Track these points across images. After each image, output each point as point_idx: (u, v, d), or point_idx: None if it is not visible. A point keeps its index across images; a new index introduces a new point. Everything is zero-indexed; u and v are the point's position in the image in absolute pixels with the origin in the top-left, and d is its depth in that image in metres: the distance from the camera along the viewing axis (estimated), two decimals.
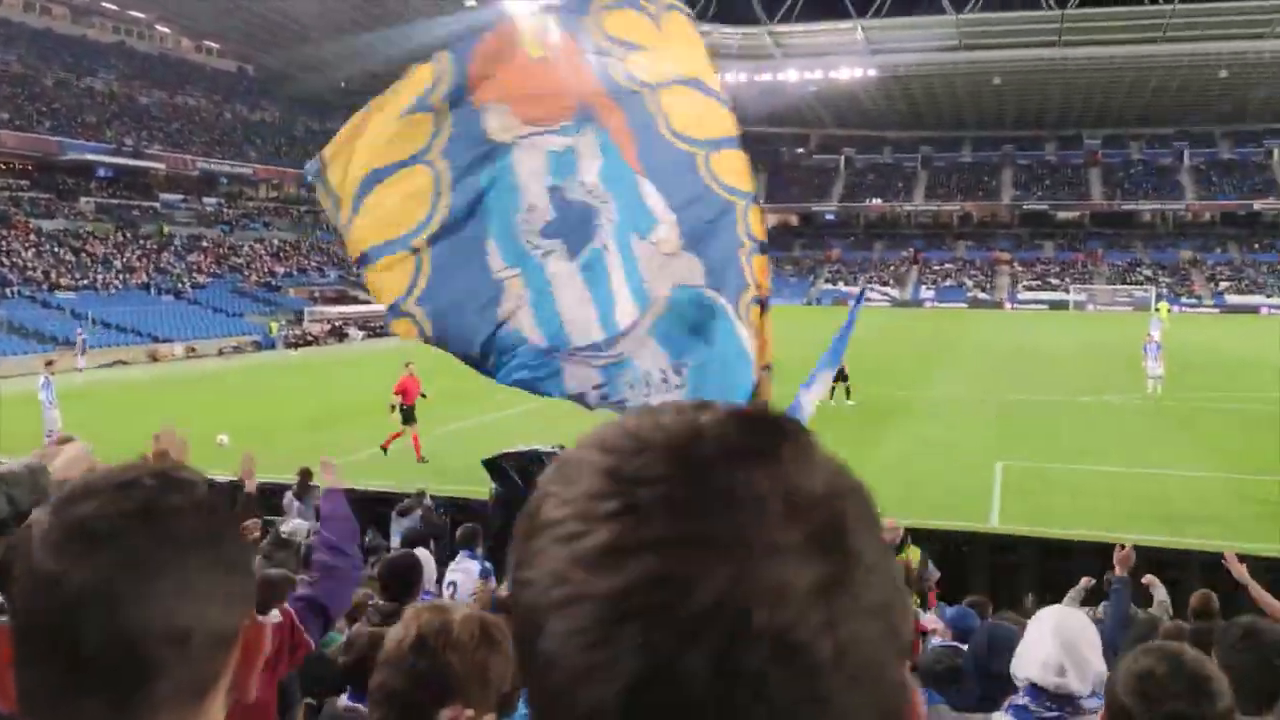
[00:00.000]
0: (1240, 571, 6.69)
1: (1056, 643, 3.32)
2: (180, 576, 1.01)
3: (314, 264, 72.92)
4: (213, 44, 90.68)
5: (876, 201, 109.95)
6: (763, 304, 4.56)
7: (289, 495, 13.69)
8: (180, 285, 59.47)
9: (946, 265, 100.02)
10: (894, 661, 0.66)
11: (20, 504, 2.04)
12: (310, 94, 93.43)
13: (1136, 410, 27.62)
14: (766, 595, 0.61)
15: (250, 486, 9.12)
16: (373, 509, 14.27)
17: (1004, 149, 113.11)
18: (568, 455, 0.72)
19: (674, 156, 4.51)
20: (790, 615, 0.61)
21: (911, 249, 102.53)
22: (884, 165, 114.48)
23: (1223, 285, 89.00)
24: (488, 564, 9.25)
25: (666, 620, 0.60)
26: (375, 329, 61.45)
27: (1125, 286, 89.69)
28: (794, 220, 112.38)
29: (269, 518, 12.26)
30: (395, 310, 4.84)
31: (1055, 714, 3.25)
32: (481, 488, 13.56)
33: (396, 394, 22.10)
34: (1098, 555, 11.56)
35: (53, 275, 54.08)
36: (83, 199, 66.38)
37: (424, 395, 22.15)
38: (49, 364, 25.12)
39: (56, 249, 57.70)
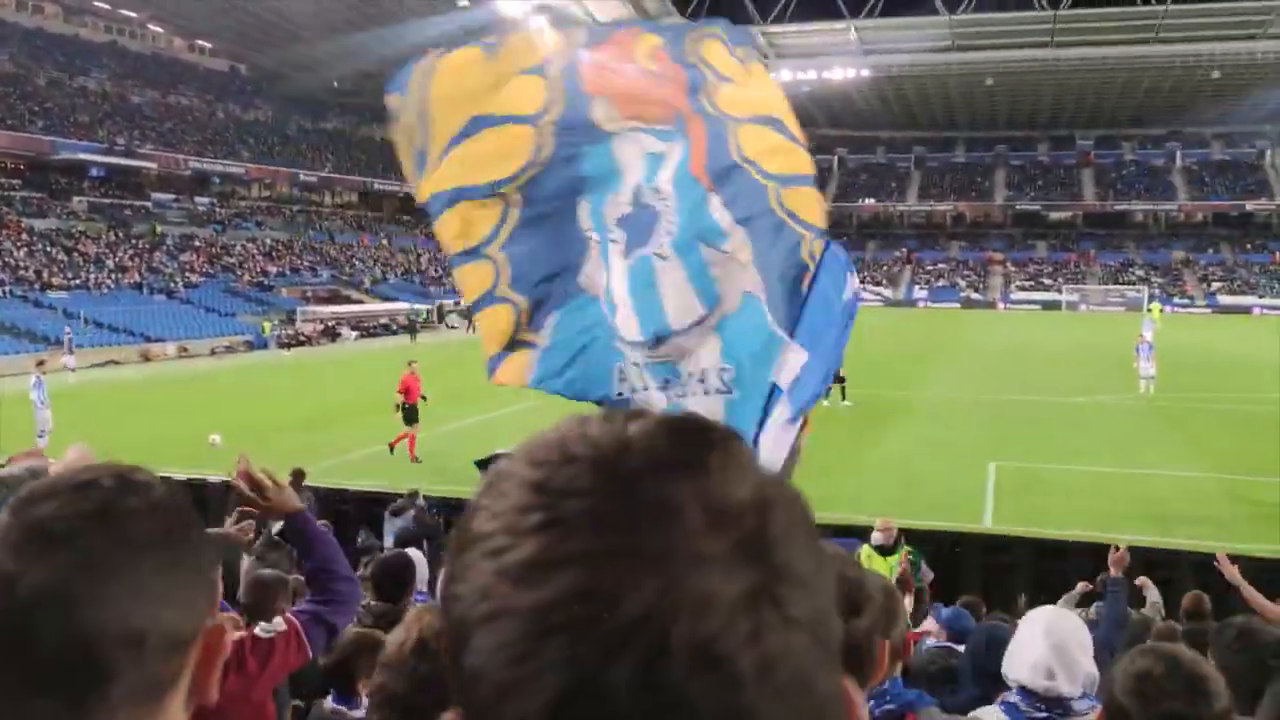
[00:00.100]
0: (1232, 573, 6.70)
1: (1047, 644, 3.31)
2: (136, 578, 1.00)
3: (306, 264, 72.80)
4: (205, 43, 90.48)
5: (870, 201, 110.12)
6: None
7: None
8: (172, 285, 59.36)
9: (939, 265, 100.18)
10: (825, 673, 0.66)
11: None
12: (303, 93, 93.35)
13: (1129, 411, 27.66)
14: (690, 607, 0.60)
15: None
16: (366, 509, 14.26)
17: (997, 149, 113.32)
18: (499, 468, 0.71)
19: (746, 182, 4.56)
20: (714, 627, 0.60)
21: (904, 249, 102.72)
22: (877, 165, 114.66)
23: (1215, 286, 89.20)
24: None
25: (590, 634, 0.60)
26: (368, 329, 61.46)
27: (1118, 287, 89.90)
28: None
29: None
30: (476, 253, 4.80)
31: (1044, 715, 3.25)
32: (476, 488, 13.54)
33: (399, 392, 22.09)
34: (1091, 556, 11.58)
35: (45, 275, 53.97)
36: (75, 198, 66.24)
37: (424, 398, 22.11)
38: (40, 364, 25.09)
39: (48, 248, 57.58)
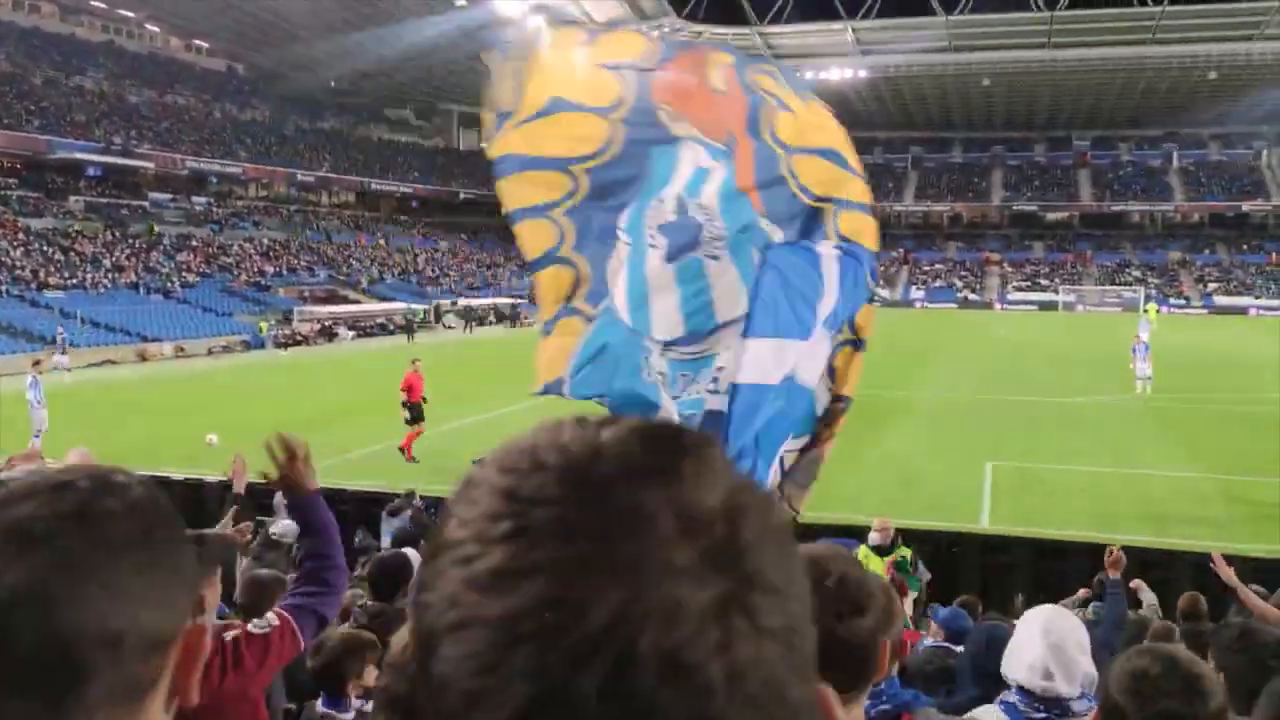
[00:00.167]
0: (1228, 574, 6.69)
1: (1044, 644, 3.31)
2: (114, 579, 1.00)
3: (303, 263, 72.76)
4: (202, 43, 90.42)
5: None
6: (857, 346, 4.68)
7: (279, 496, 13.63)
8: (169, 284, 59.30)
9: (936, 266, 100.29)
10: (798, 681, 0.65)
11: None
12: (300, 93, 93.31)
13: (1125, 411, 27.69)
14: (659, 616, 0.60)
15: (239, 487, 9.10)
16: (363, 509, 14.25)
17: (994, 150, 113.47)
18: (471, 474, 0.71)
19: (794, 204, 4.65)
20: (683, 636, 0.60)
21: (901, 249, 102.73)
22: (874, 166, 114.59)
23: (1211, 286, 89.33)
24: None
25: (558, 643, 0.59)
26: (364, 329, 61.44)
27: (1114, 287, 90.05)
28: None
29: (260, 518, 12.25)
30: (540, 211, 4.90)
31: (1043, 715, 3.25)
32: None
33: (403, 390, 22.12)
34: (1088, 556, 11.60)
35: (41, 274, 53.90)
36: (71, 198, 66.18)
37: (424, 399, 22.11)
38: (36, 364, 25.08)
39: (45, 248, 57.51)
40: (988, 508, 17.39)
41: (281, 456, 3.41)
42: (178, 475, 15.70)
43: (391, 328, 62.52)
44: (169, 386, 36.70)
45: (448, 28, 78.79)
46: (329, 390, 33.80)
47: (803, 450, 4.68)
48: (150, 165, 72.26)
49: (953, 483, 18.82)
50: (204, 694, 3.26)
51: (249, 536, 8.33)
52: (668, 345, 4.76)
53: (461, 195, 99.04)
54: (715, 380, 4.70)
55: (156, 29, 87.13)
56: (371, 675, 4.73)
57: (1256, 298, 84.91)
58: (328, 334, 58.75)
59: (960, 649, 6.35)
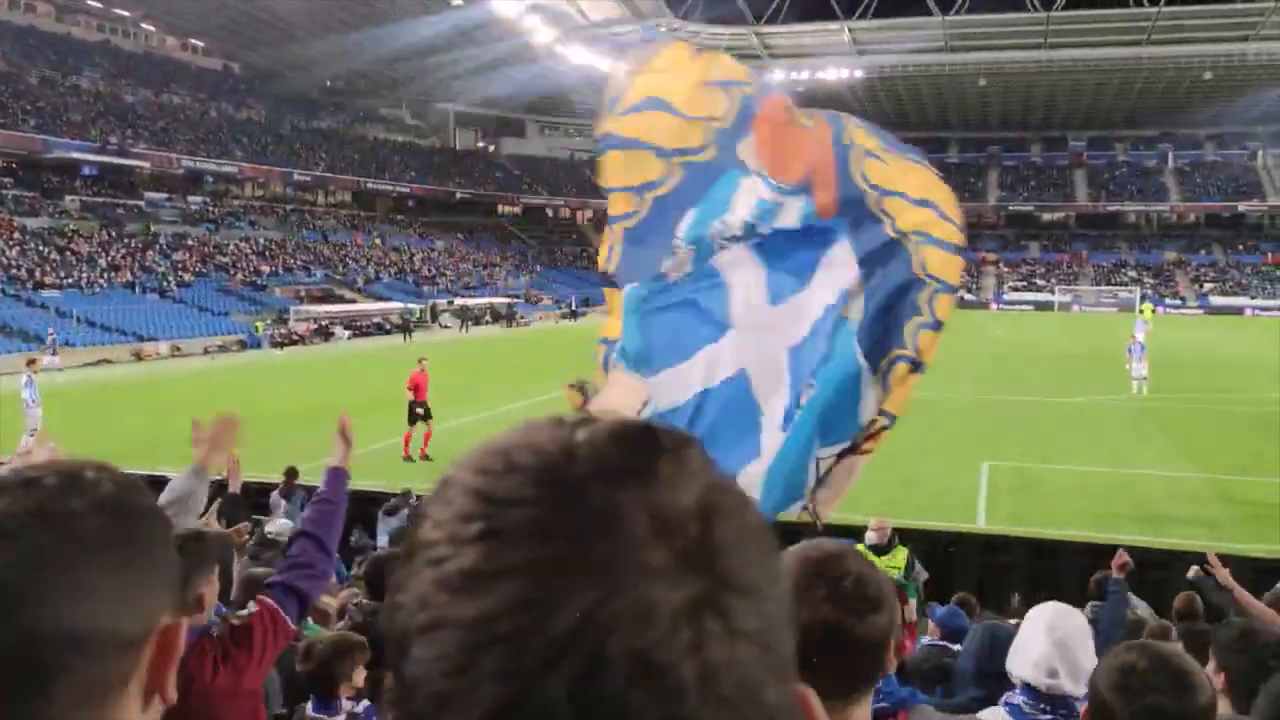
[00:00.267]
0: (1224, 575, 6.69)
1: (1049, 642, 3.31)
2: (79, 578, 0.98)
3: (300, 263, 72.69)
4: (198, 42, 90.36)
5: None
6: (915, 367, 4.76)
7: (275, 494, 13.65)
8: (165, 284, 59.24)
9: None
10: (775, 682, 0.65)
11: None
12: (296, 93, 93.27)
13: (1121, 411, 27.72)
14: (629, 618, 0.60)
15: (235, 486, 9.09)
16: (360, 508, 14.24)
17: (990, 150, 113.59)
18: (446, 475, 0.70)
19: (878, 235, 4.74)
20: (654, 637, 0.60)
21: None
22: None
23: (1207, 287, 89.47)
24: None
25: (528, 645, 0.59)
26: (361, 328, 61.40)
27: (1110, 287, 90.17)
28: None
29: (256, 517, 12.24)
30: (634, 190, 5.01)
31: (1049, 716, 3.25)
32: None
33: (409, 389, 22.15)
34: (1085, 556, 11.62)
35: (37, 273, 53.84)
36: (67, 197, 66.06)
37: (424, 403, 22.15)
38: (31, 362, 25.06)
39: (41, 247, 57.43)
40: (984, 508, 17.41)
41: (345, 439, 4.12)
42: (174, 475, 15.66)
43: (388, 327, 62.49)
44: (165, 386, 36.67)
45: (444, 27, 78.81)
46: (325, 390, 33.75)
47: (839, 456, 4.72)
48: (146, 165, 72.19)
49: (949, 483, 18.83)
50: (196, 693, 3.26)
51: (246, 536, 8.32)
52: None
53: (458, 195, 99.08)
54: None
55: (152, 28, 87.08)
56: (361, 676, 4.73)
57: (1252, 298, 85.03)
58: (324, 333, 58.71)
59: (957, 647, 6.35)
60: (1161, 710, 2.36)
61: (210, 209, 76.60)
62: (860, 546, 10.04)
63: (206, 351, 50.82)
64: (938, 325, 4.67)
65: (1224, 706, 3.48)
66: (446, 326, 66.80)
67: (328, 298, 67.16)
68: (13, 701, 0.95)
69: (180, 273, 61.91)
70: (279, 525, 10.97)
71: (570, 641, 0.59)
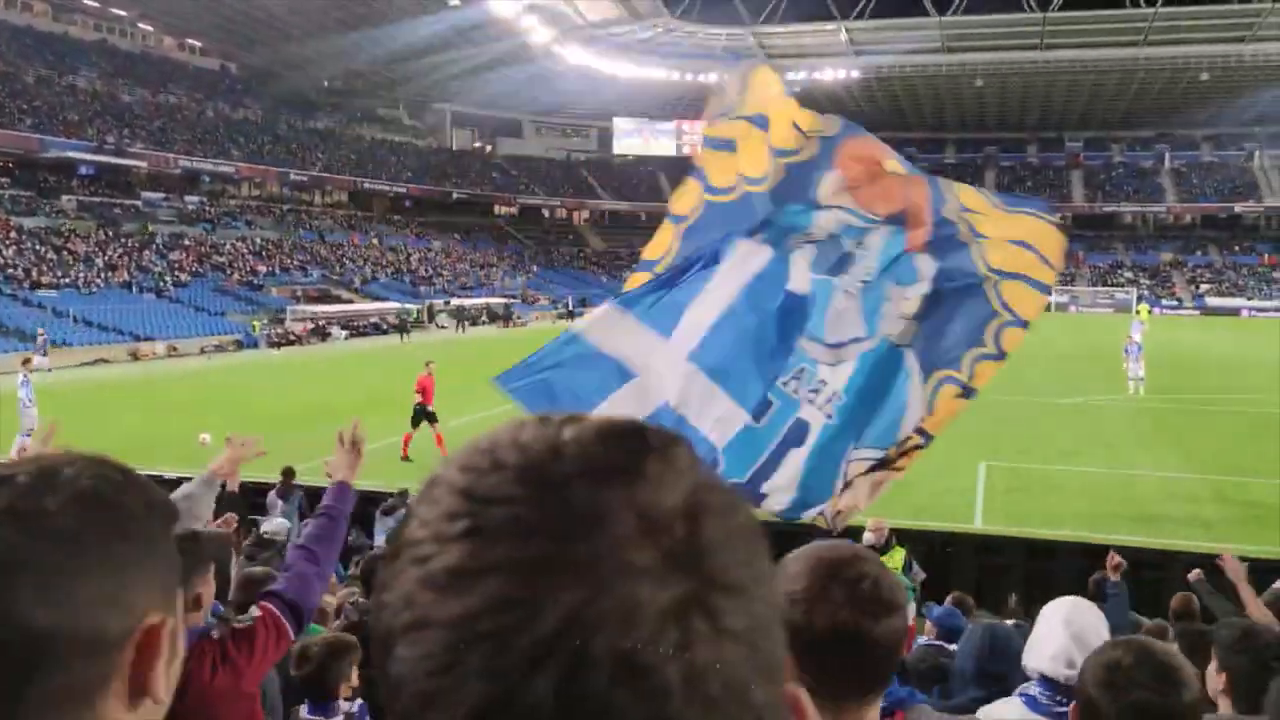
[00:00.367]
0: (1236, 570, 6.66)
1: (1067, 634, 3.35)
2: (51, 577, 0.96)
3: (296, 263, 72.64)
4: (195, 42, 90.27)
5: None
6: (966, 393, 4.82)
7: (272, 494, 13.63)
8: (162, 284, 59.19)
9: None
10: (763, 683, 0.64)
11: None
12: (293, 92, 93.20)
13: (1118, 411, 27.74)
14: (614, 617, 0.59)
15: (232, 485, 9.07)
16: (357, 508, 14.22)
17: (986, 151, 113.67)
18: (433, 474, 0.70)
19: (966, 268, 4.81)
20: (639, 637, 0.59)
21: None
22: None
23: (1203, 288, 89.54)
24: None
25: (512, 644, 0.59)
26: (357, 328, 61.38)
27: (1107, 288, 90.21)
28: None
29: (253, 517, 12.23)
30: (714, 190, 5.11)
31: (1065, 708, 3.27)
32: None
33: (417, 392, 22.17)
34: (1081, 556, 11.62)
35: (34, 273, 53.77)
36: (64, 197, 65.99)
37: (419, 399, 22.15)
38: (26, 362, 24.98)
39: (37, 246, 57.36)
40: (981, 508, 17.41)
41: (351, 447, 4.05)
42: (170, 474, 15.65)
43: (385, 327, 62.48)
44: (162, 385, 36.65)
45: (441, 27, 78.79)
46: (322, 389, 33.72)
47: (871, 468, 4.74)
48: (143, 164, 72.09)
49: (946, 483, 18.82)
50: (194, 694, 3.26)
51: (235, 524, 8.29)
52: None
53: (454, 195, 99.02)
54: (816, 393, 4.82)
55: (149, 28, 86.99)
56: (355, 674, 4.73)
57: (1249, 299, 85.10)
58: (321, 333, 58.69)
59: (953, 647, 6.35)
60: (1147, 706, 2.36)
61: (207, 209, 76.54)
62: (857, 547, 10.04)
63: (203, 351, 50.80)
64: (1001, 356, 4.72)
65: (1225, 706, 3.51)
66: (443, 327, 66.77)
67: (324, 298, 67.11)
68: None
69: (177, 272, 61.85)
70: (275, 525, 10.97)
71: (555, 641, 0.59)
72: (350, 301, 68.33)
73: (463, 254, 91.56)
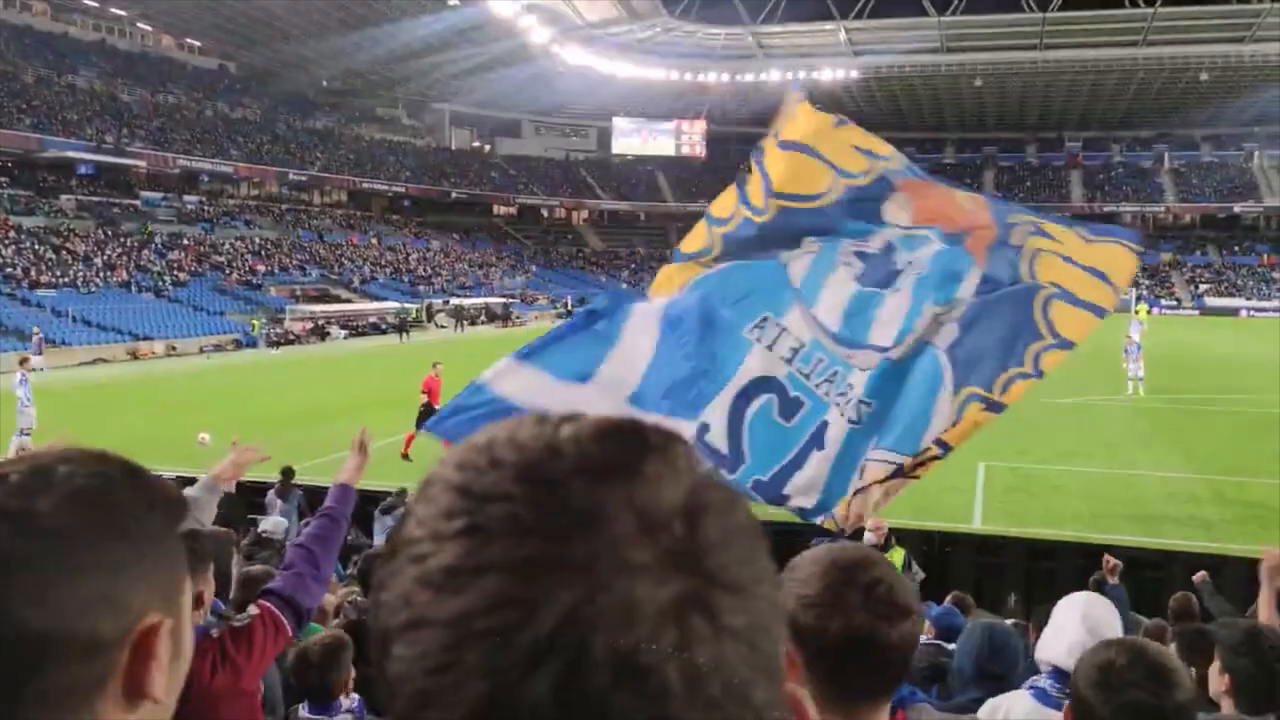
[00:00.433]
0: (1272, 569, 6.62)
1: (1084, 628, 3.39)
2: (42, 578, 0.94)
3: (295, 262, 72.64)
4: (194, 42, 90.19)
5: None
6: (992, 409, 4.83)
7: (271, 494, 13.64)
8: (161, 283, 59.18)
9: None
10: (764, 683, 0.64)
11: None
12: (292, 92, 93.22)
13: (1118, 411, 27.76)
14: (612, 617, 0.59)
15: (229, 485, 9.06)
16: (357, 507, 14.22)
17: (986, 151, 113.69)
18: (431, 472, 0.70)
19: (1015, 282, 4.86)
20: (637, 637, 0.59)
21: None
22: None
23: (1202, 288, 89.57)
24: None
25: (509, 644, 0.59)
26: (356, 328, 61.39)
27: None
28: None
29: (251, 516, 12.23)
30: (775, 195, 5.22)
31: None
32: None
33: (423, 392, 22.18)
34: (1080, 556, 11.63)
35: (33, 272, 53.76)
36: (63, 196, 65.99)
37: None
38: (24, 361, 24.91)
39: (36, 246, 57.35)
40: (980, 508, 17.41)
41: (361, 450, 4.13)
42: (169, 474, 15.64)
43: (384, 327, 62.49)
44: (161, 385, 36.64)
45: (440, 27, 78.84)
46: (321, 389, 33.74)
47: (889, 475, 4.76)
48: (142, 164, 72.11)
49: (946, 483, 18.79)
50: (195, 693, 3.26)
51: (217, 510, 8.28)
52: (820, 328, 4.97)
53: (453, 195, 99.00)
54: (844, 396, 4.86)
55: (148, 27, 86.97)
56: (352, 672, 4.74)
57: (1247, 299, 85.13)
58: (320, 333, 58.72)
59: (952, 646, 6.35)
60: (1140, 706, 2.36)
61: (206, 208, 76.56)
62: None
63: (202, 351, 50.83)
64: (1038, 375, 4.73)
65: (1228, 707, 3.51)
66: (442, 326, 66.77)
67: (323, 297, 67.13)
68: None
69: (176, 272, 61.84)
70: (271, 523, 10.98)
71: (553, 640, 0.58)
72: (349, 301, 68.34)
73: (461, 254, 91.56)
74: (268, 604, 3.44)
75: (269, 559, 8.27)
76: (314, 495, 14.29)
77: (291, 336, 56.21)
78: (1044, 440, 23.32)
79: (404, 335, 58.14)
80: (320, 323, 60.21)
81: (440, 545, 0.63)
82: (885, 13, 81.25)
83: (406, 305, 66.88)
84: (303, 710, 4.61)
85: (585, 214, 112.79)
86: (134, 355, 47.61)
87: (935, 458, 4.84)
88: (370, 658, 0.67)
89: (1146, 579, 10.80)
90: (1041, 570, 12.15)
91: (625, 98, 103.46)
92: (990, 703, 3.79)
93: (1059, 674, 3.37)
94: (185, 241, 67.41)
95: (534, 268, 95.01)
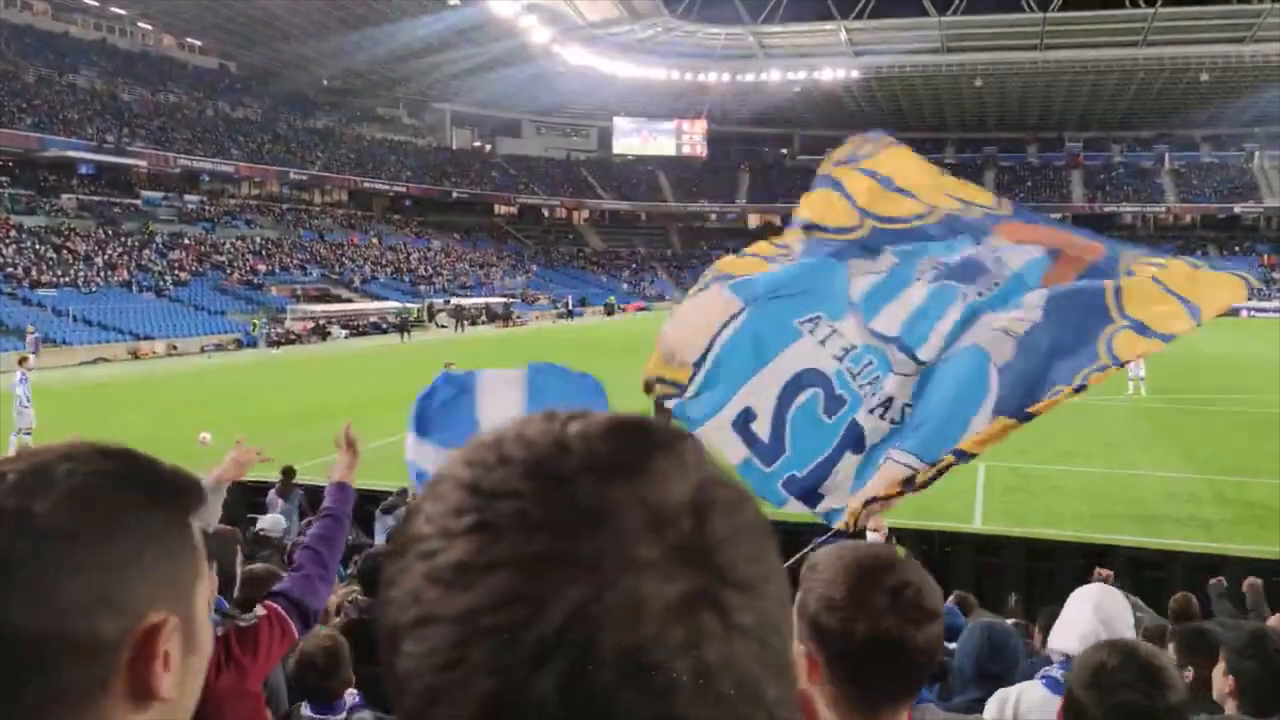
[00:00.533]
0: None
1: (1097, 619, 3.45)
2: (39, 578, 0.94)
3: (296, 262, 72.65)
4: (195, 41, 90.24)
5: None
6: (1019, 420, 4.85)
7: (272, 494, 13.65)
8: (162, 283, 59.20)
9: None
10: (775, 680, 0.64)
11: None
12: (293, 92, 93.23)
13: (1118, 411, 27.71)
14: (619, 614, 0.59)
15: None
16: (357, 506, 14.21)
17: (986, 151, 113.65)
18: (440, 470, 0.70)
19: (1091, 309, 4.89)
20: (645, 634, 0.59)
21: None
22: None
23: None
24: None
25: (517, 640, 0.59)
26: (357, 327, 61.39)
27: None
28: (777, 221, 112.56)
29: (252, 515, 12.24)
30: (814, 227, 5.38)
31: None
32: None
33: None
34: (1080, 556, 11.64)
35: (33, 272, 53.78)
36: (64, 195, 66.04)
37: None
38: (23, 361, 24.86)
39: (37, 245, 57.37)
40: (981, 508, 17.40)
41: (351, 448, 4.02)
42: None
43: (385, 326, 62.50)
44: (162, 384, 36.63)
45: (440, 27, 78.85)
46: (322, 388, 33.72)
47: (902, 485, 4.76)
48: (143, 163, 72.16)
49: (946, 483, 18.64)
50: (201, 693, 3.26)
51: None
52: (874, 333, 4.94)
53: (454, 195, 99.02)
54: (875, 398, 4.86)
55: (149, 27, 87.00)
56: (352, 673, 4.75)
57: (1248, 299, 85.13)
58: (321, 332, 58.73)
59: (952, 646, 6.35)
60: (1133, 707, 2.38)
61: (207, 208, 76.60)
62: None
63: (203, 350, 50.86)
64: (1079, 389, 4.74)
65: (1231, 709, 3.54)
66: (443, 326, 66.76)
67: (324, 297, 67.14)
68: None
69: (177, 271, 61.86)
70: (269, 521, 10.99)
71: (560, 637, 0.58)
72: (350, 301, 68.34)
73: (462, 253, 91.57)
74: (275, 606, 3.44)
75: (269, 557, 8.28)
76: (315, 495, 14.28)
77: (292, 336, 56.22)
78: (1044, 440, 23.27)
79: (405, 335, 58.13)
80: (321, 322, 60.22)
81: (449, 542, 0.63)
82: (886, 13, 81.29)
83: (407, 305, 66.87)
84: (305, 710, 4.62)
85: (586, 214, 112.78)
86: (135, 355, 47.63)
87: (950, 465, 4.83)
88: (379, 655, 0.67)
89: (1146, 579, 10.82)
90: (1041, 570, 12.15)
91: (626, 97, 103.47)
92: (1000, 694, 3.81)
93: (1071, 663, 3.41)
94: (186, 241, 67.43)
95: (535, 267, 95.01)
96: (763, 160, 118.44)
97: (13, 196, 62.54)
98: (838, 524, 4.81)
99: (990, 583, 12.03)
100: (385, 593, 0.66)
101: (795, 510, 4.86)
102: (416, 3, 76.18)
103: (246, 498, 13.69)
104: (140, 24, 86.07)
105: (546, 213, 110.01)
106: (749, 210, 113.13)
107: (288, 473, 13.85)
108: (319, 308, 63.21)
